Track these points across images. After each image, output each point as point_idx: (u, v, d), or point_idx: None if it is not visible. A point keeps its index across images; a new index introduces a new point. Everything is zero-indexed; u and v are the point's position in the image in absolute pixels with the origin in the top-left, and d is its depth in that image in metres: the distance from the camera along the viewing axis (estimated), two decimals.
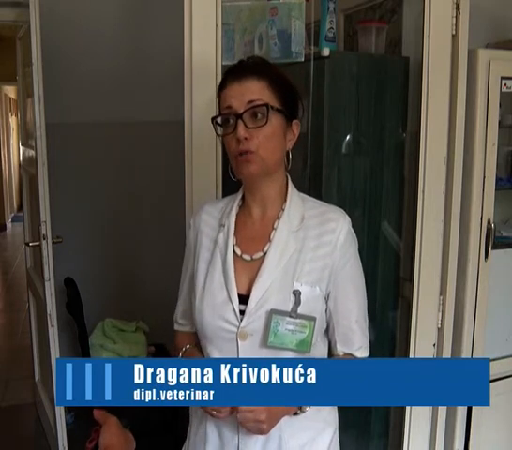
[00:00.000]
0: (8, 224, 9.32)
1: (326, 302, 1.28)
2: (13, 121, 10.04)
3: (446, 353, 2.15)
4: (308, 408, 1.22)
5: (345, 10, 2.54)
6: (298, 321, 1.22)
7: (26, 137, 3.16)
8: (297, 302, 1.23)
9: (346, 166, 2.06)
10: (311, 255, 1.26)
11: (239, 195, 1.34)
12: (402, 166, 2.17)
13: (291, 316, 1.22)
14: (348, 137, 2.06)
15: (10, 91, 9.64)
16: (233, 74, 1.24)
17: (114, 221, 3.22)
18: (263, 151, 1.21)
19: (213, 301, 1.26)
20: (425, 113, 2.01)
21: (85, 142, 3.15)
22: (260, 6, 1.91)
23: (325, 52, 1.94)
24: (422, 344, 2.11)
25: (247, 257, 1.28)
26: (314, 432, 1.30)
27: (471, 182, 2.14)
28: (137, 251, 3.25)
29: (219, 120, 1.25)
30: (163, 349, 2.95)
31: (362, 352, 1.32)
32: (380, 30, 2.14)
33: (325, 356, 1.33)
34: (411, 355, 2.10)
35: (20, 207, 7.95)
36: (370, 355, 1.98)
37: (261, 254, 1.27)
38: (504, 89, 2.18)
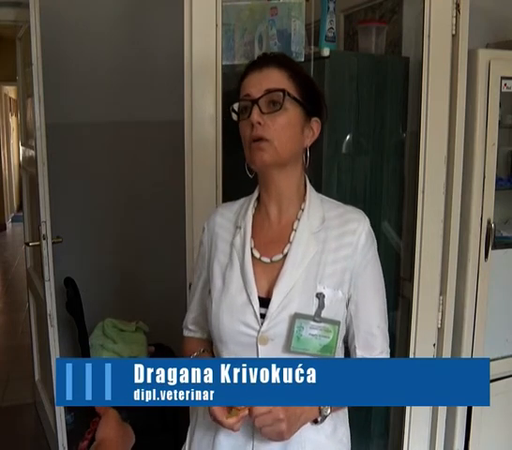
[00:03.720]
0: (8, 224, 9.32)
1: (347, 306, 1.25)
2: (13, 121, 10.04)
3: (446, 353, 2.15)
4: (328, 410, 1.18)
5: (345, 10, 2.54)
6: (322, 325, 1.19)
7: (26, 137, 3.16)
8: (321, 305, 1.19)
9: (346, 166, 2.06)
10: (333, 257, 1.22)
11: (254, 195, 1.30)
12: (402, 166, 2.17)
13: (315, 320, 1.18)
14: (348, 137, 2.06)
15: (10, 91, 9.64)
16: (254, 64, 1.23)
17: (114, 221, 3.21)
18: (277, 140, 1.18)
19: (232, 304, 1.22)
20: (425, 113, 2.01)
21: (85, 142, 3.15)
22: (260, 6, 1.91)
23: (325, 52, 1.94)
24: (422, 344, 2.11)
25: (266, 260, 1.24)
26: None
27: (471, 182, 2.14)
28: (137, 251, 3.25)
29: (237, 107, 1.23)
30: (163, 349, 2.95)
31: (383, 357, 1.29)
32: (380, 30, 2.14)
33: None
34: (411, 355, 2.10)
35: (20, 207, 7.95)
36: None
37: (280, 256, 1.23)
38: (504, 89, 2.18)
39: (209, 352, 1.34)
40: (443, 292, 2.13)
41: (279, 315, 1.19)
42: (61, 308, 2.73)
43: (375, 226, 2.18)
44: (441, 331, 2.14)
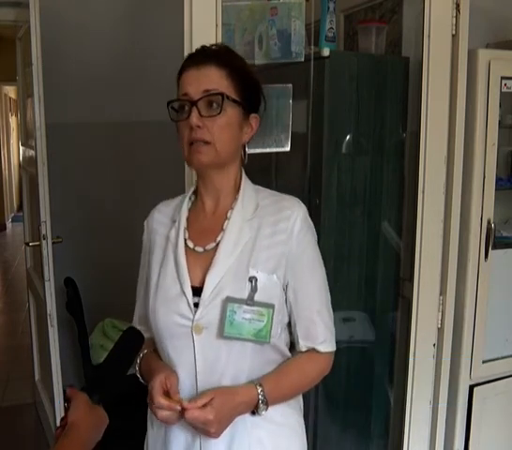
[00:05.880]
0: (8, 224, 9.32)
1: (286, 293, 1.24)
2: (13, 121, 10.04)
3: (446, 353, 2.15)
4: (263, 412, 1.19)
5: (345, 10, 2.54)
6: (255, 308, 1.17)
7: (26, 137, 3.16)
8: (254, 289, 1.18)
9: (346, 166, 2.06)
10: (267, 242, 1.22)
11: (191, 189, 1.33)
12: (402, 166, 2.17)
13: (247, 303, 1.17)
14: (348, 137, 2.06)
15: (10, 91, 9.65)
16: (192, 60, 1.21)
17: (114, 221, 3.22)
18: (217, 142, 1.18)
19: (166, 296, 1.23)
20: (425, 113, 2.01)
21: (85, 142, 3.15)
22: (260, 6, 1.91)
23: (325, 52, 1.94)
24: (422, 344, 2.11)
25: (199, 249, 1.24)
26: (283, 440, 1.26)
27: (471, 182, 2.14)
28: (137, 251, 3.24)
29: (176, 106, 1.22)
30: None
31: (326, 346, 1.26)
32: (380, 30, 2.14)
33: (287, 349, 1.28)
34: (411, 355, 2.10)
35: (20, 207, 7.95)
36: (371, 356, 1.97)
37: (213, 245, 1.23)
38: (504, 89, 2.17)
39: (153, 352, 1.32)
40: (443, 292, 2.13)
41: (212, 302, 1.18)
42: (61, 308, 2.73)
43: (375, 226, 2.19)
44: (441, 331, 2.14)
